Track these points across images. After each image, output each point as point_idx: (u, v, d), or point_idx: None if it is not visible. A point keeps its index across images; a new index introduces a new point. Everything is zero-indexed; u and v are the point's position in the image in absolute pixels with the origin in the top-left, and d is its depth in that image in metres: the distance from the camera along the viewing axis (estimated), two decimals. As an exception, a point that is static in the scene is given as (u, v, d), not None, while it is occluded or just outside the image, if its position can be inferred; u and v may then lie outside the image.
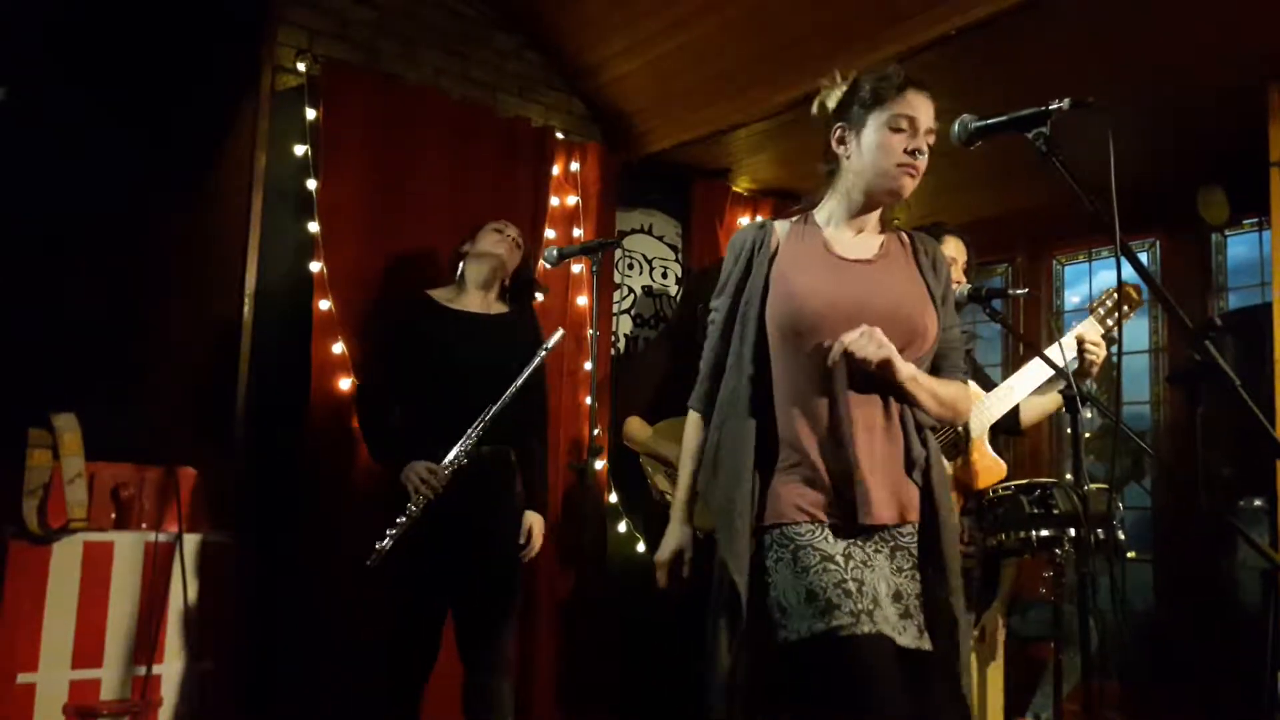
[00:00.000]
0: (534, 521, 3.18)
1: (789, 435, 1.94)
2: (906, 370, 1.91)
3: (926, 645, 1.89)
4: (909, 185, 1.96)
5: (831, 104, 2.09)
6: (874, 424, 1.94)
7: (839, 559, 1.85)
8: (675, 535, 2.12)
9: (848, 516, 1.89)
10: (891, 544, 1.93)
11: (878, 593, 1.85)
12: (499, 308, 3.31)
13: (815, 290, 1.95)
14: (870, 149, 1.96)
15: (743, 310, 2.02)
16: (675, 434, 3.69)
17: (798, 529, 1.89)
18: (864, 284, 1.98)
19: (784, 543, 1.89)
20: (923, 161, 1.95)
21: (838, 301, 1.93)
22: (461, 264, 3.30)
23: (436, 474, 2.93)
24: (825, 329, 1.91)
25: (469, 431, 2.98)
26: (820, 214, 2.09)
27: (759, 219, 2.10)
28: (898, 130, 1.94)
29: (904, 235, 2.11)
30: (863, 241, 2.05)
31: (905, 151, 1.93)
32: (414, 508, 2.91)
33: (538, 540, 3.18)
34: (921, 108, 1.96)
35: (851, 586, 1.82)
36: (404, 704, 3.01)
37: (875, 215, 2.07)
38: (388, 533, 2.88)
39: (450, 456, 2.96)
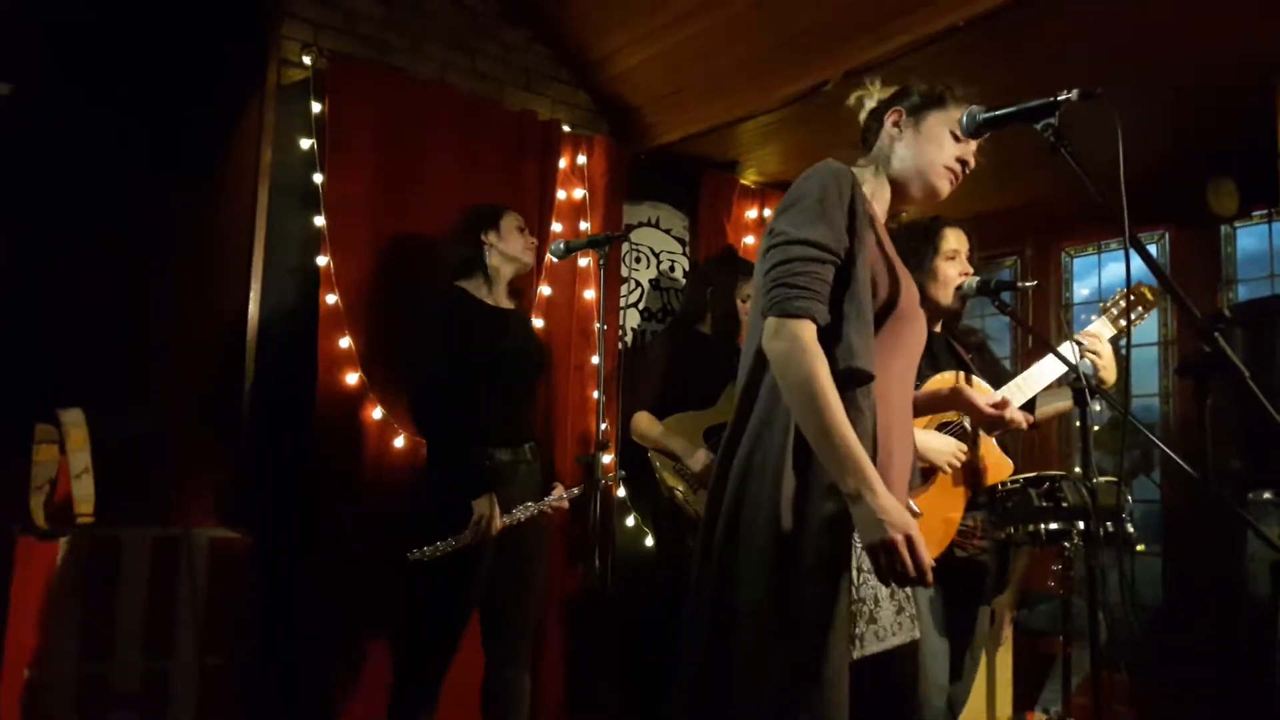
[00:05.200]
0: (558, 490, 3.29)
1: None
2: None
3: (916, 634, 1.91)
4: (947, 189, 1.97)
5: (871, 103, 2.10)
6: (906, 430, 1.94)
7: (851, 572, 1.76)
8: (903, 510, 1.66)
9: None
10: None
11: (880, 598, 1.82)
12: (510, 301, 3.37)
13: (909, 280, 1.92)
14: (927, 139, 1.96)
15: (865, 264, 1.80)
16: (684, 429, 3.71)
17: None
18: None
19: None
20: (963, 173, 1.97)
21: (914, 299, 1.92)
22: (487, 255, 3.28)
23: (495, 526, 3.01)
24: (905, 324, 1.88)
25: (541, 503, 3.14)
26: (865, 187, 2.01)
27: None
28: (955, 137, 1.96)
29: None
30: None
31: (957, 159, 1.96)
32: (467, 539, 2.98)
33: (562, 504, 3.28)
34: None
35: (855, 608, 1.77)
36: (424, 695, 3.03)
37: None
38: (439, 544, 2.96)
39: (516, 513, 3.08)
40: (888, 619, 1.83)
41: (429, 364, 3.10)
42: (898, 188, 2.01)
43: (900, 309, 1.85)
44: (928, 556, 1.62)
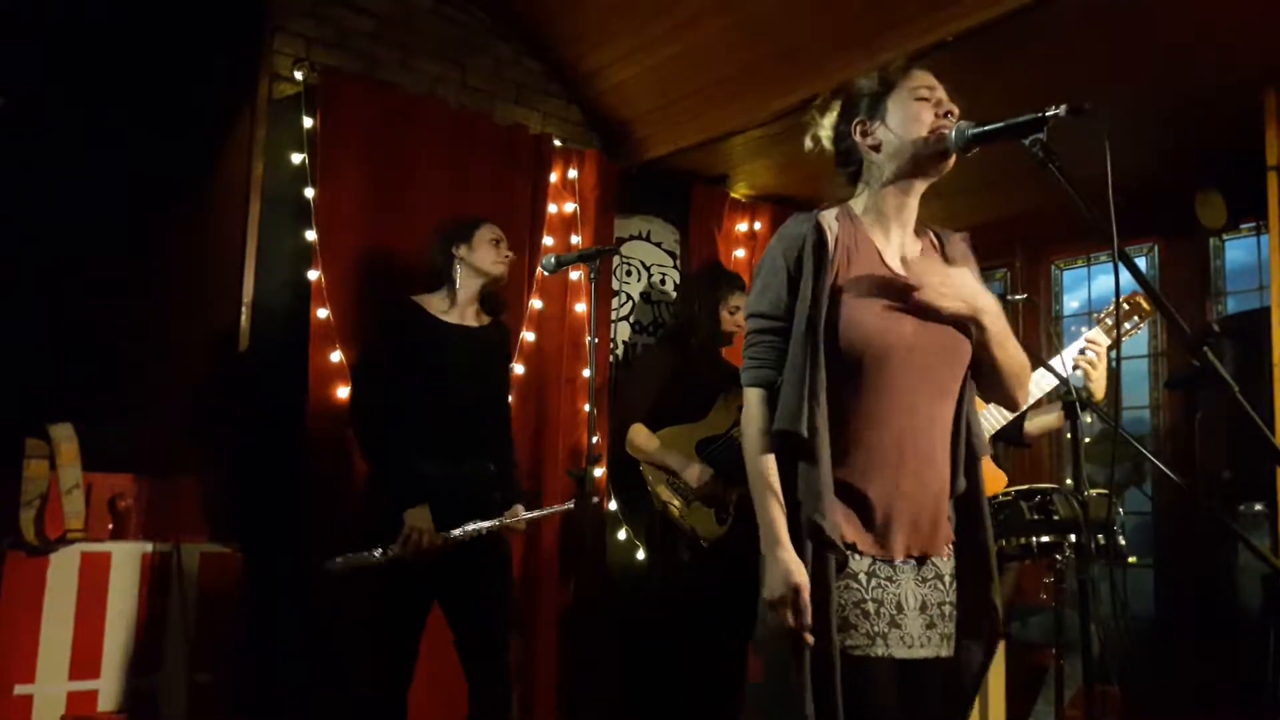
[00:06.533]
0: (514, 511, 3.16)
1: (839, 457, 1.86)
2: (993, 310, 1.91)
3: (946, 653, 1.90)
4: (952, 147, 1.90)
5: (825, 132, 2.07)
6: (927, 458, 1.91)
7: (861, 576, 1.84)
8: (793, 565, 1.80)
9: (880, 548, 1.86)
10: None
11: (904, 607, 1.85)
12: (480, 318, 3.29)
13: (879, 315, 1.87)
14: (901, 124, 1.91)
15: (804, 318, 1.86)
16: (677, 443, 3.70)
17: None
18: (920, 305, 1.91)
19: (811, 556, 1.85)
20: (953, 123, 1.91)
21: (902, 330, 1.87)
22: (456, 267, 3.21)
23: (433, 545, 2.90)
24: (890, 358, 1.85)
25: (489, 523, 3.02)
26: (860, 209, 2.00)
27: (809, 214, 1.99)
28: (922, 100, 1.91)
29: (933, 235, 2.06)
30: (908, 248, 2.00)
31: (938, 116, 1.90)
32: (394, 553, 2.87)
33: (519, 526, 3.16)
34: (932, 80, 1.95)
35: (870, 607, 1.82)
36: (391, 710, 3.01)
37: (915, 208, 2.00)
38: (374, 553, 2.86)
39: (456, 531, 2.95)
40: (915, 629, 1.86)
41: (367, 375, 3.10)
42: (909, 179, 1.96)
43: (873, 348, 1.84)
44: (792, 620, 1.76)
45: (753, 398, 1.92)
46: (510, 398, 3.49)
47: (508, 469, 3.28)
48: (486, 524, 3.01)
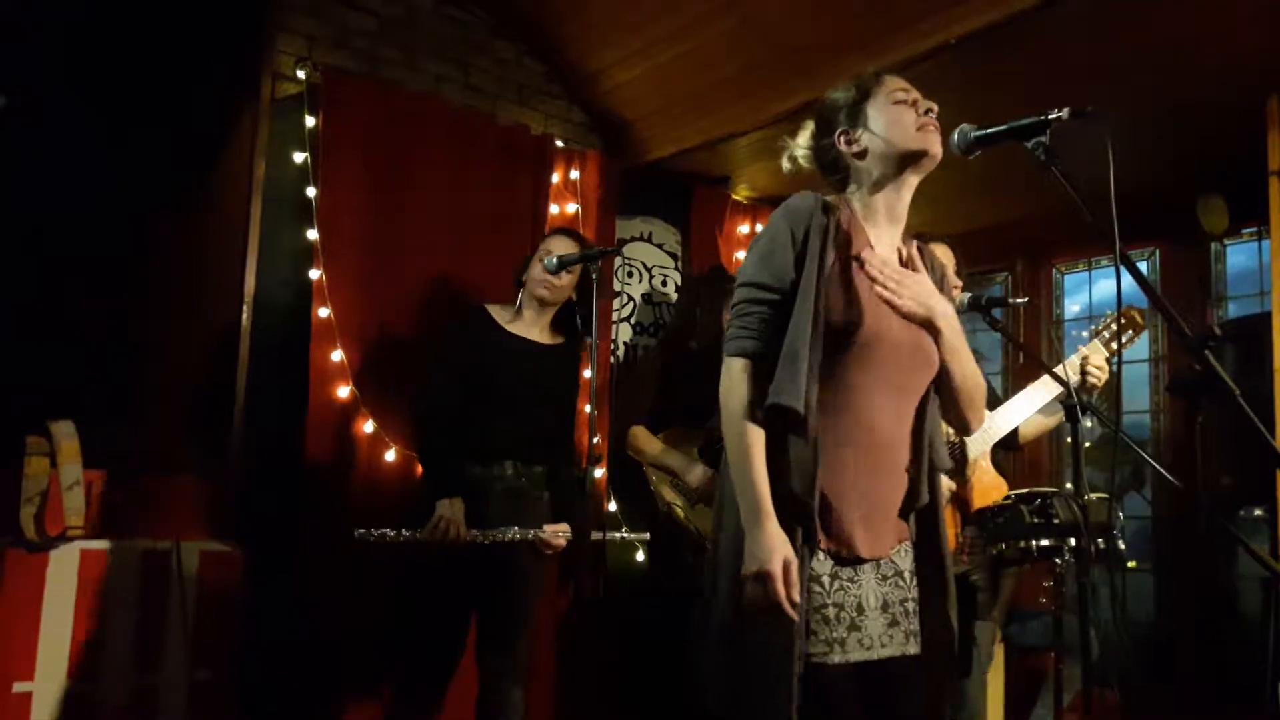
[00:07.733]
0: (558, 526, 3.19)
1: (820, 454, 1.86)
2: (949, 317, 1.93)
3: (913, 650, 1.91)
4: (937, 140, 1.92)
5: (801, 151, 2.10)
6: (892, 462, 1.93)
7: (825, 579, 1.85)
8: (781, 538, 1.77)
9: (842, 544, 1.87)
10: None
11: (864, 608, 1.86)
12: (552, 338, 3.36)
13: (870, 308, 1.87)
14: (884, 128, 1.93)
15: (809, 294, 1.84)
16: (680, 444, 3.70)
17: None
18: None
19: None
20: (934, 119, 1.94)
21: (890, 323, 1.89)
22: (520, 290, 3.34)
23: (460, 537, 2.98)
24: (876, 347, 1.86)
25: (525, 531, 3.05)
26: (857, 204, 2.01)
27: (814, 193, 2.00)
28: (900, 102, 1.94)
29: (916, 245, 2.07)
30: (898, 248, 2.03)
31: (919, 114, 1.93)
32: (420, 536, 2.96)
33: (557, 541, 3.16)
34: (905, 83, 1.99)
35: (830, 613, 1.83)
36: (423, 708, 3.05)
37: (906, 203, 2.01)
38: (402, 531, 2.95)
39: (479, 532, 3.01)
40: (876, 629, 1.86)
41: (430, 373, 3.22)
42: (897, 178, 1.97)
43: (863, 336, 1.84)
44: (784, 594, 1.71)
45: (736, 367, 1.88)
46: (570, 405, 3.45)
47: (556, 477, 3.30)
48: (520, 532, 3.06)
